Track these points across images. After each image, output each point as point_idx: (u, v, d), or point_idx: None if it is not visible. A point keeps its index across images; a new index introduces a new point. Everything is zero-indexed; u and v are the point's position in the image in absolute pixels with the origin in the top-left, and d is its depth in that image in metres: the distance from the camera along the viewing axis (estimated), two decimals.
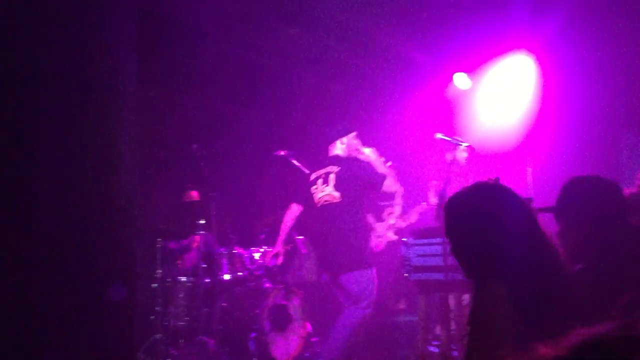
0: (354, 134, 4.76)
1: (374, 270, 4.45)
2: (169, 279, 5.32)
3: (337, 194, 4.49)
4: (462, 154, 5.16)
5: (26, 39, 3.22)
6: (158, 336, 4.99)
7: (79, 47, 3.44)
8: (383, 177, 4.45)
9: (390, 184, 4.47)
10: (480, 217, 1.93)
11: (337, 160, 4.64)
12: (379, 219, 6.00)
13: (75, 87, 3.41)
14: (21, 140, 3.16)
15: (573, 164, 5.55)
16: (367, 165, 4.56)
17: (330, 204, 4.51)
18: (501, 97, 6.37)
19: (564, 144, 5.91)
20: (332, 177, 4.55)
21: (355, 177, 4.47)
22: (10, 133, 3.16)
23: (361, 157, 4.64)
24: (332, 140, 4.74)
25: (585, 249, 2.17)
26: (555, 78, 6.03)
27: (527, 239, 1.88)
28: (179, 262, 5.83)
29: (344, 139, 4.71)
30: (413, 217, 5.80)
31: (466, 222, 1.95)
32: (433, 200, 5.51)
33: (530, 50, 6.10)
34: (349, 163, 4.57)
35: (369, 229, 5.36)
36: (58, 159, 3.29)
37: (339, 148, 4.71)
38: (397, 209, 5.83)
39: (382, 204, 5.95)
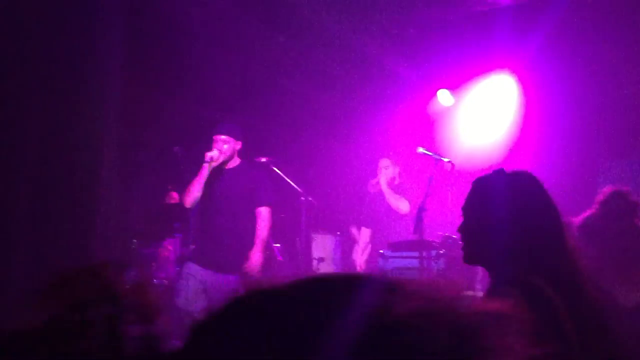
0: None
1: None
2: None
3: None
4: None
5: (12, 36, 3.19)
6: None
7: (65, 45, 3.43)
8: None
9: None
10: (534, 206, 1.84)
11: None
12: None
13: (59, 85, 3.40)
14: (4, 135, 3.13)
15: (552, 183, 5.61)
16: None
17: None
18: (483, 114, 6.44)
19: (543, 163, 5.99)
20: None
21: None
22: None
23: None
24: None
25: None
26: (536, 97, 6.11)
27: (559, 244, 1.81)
28: (153, 264, 5.78)
29: None
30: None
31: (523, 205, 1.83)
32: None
33: (512, 69, 6.18)
34: None
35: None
36: (40, 155, 3.26)
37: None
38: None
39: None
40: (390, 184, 5.51)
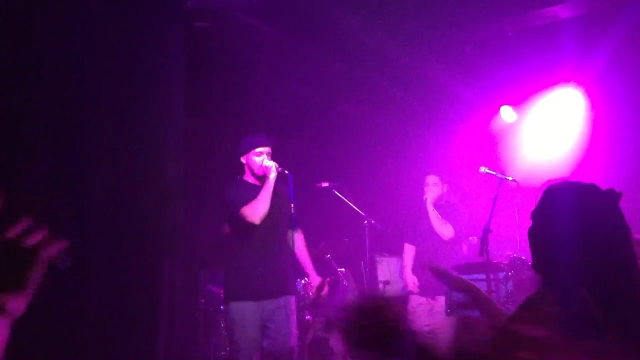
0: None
1: None
2: (211, 308, 5.36)
3: None
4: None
5: (87, 66, 3.35)
6: None
7: (131, 80, 3.57)
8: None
9: None
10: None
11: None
12: None
13: (128, 117, 3.53)
14: (77, 164, 3.27)
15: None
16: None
17: None
18: (548, 130, 6.26)
19: (612, 179, 5.75)
20: None
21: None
22: (67, 161, 3.27)
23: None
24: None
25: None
26: (604, 111, 5.90)
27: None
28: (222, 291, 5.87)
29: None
30: (464, 249, 5.50)
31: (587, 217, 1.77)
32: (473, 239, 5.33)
33: (578, 82, 6.01)
34: None
35: None
36: (110, 187, 3.39)
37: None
38: None
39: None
40: (437, 202, 5.13)
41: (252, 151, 4.07)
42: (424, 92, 6.34)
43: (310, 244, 6.11)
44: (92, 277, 3.21)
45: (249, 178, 4.11)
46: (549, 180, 3.55)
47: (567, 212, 1.80)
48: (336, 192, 5.70)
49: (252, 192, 3.94)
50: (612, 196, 1.82)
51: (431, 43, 5.46)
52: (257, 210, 3.86)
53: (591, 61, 5.49)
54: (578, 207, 1.79)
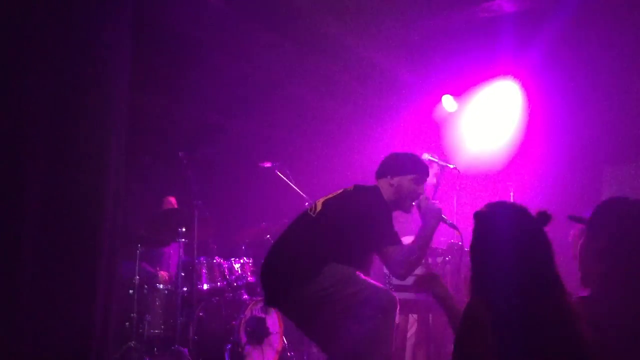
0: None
1: None
2: (146, 286, 5.27)
3: None
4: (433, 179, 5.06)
5: (21, 36, 3.20)
6: (132, 343, 4.93)
7: (73, 48, 3.44)
8: None
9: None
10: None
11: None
12: None
13: (67, 88, 3.41)
14: (11, 138, 3.14)
15: (555, 189, 5.64)
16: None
17: None
18: (487, 120, 6.45)
19: (547, 169, 6.01)
20: None
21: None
22: (6, 131, 3.14)
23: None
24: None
25: (605, 270, 2.13)
26: (540, 104, 6.13)
27: (519, 261, 1.90)
28: (157, 269, 5.78)
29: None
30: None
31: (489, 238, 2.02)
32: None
33: (516, 75, 6.20)
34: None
35: None
36: (45, 159, 3.27)
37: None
38: None
39: None
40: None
41: (420, 178, 3.49)
42: (370, 77, 6.40)
43: (251, 224, 6.14)
44: (27, 254, 3.10)
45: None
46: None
47: (501, 233, 2.00)
48: (278, 172, 5.71)
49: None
50: (541, 220, 1.98)
51: (377, 30, 5.51)
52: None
53: (529, 55, 5.67)
54: (509, 229, 1.99)
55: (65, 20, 3.43)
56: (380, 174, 3.52)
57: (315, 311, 3.14)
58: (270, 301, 3.32)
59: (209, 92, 5.77)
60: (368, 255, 3.42)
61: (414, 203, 3.41)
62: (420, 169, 3.49)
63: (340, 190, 3.50)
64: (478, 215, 2.06)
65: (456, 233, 3.63)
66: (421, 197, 3.39)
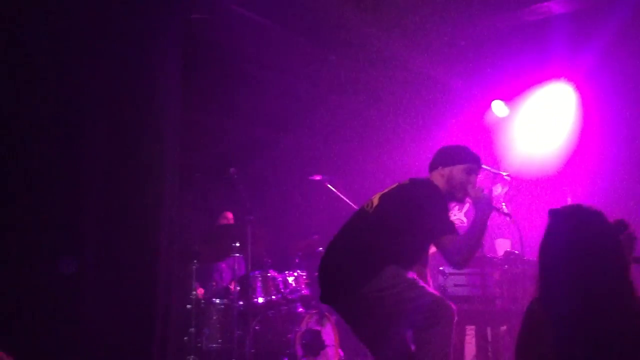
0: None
1: None
2: (203, 301, 5.36)
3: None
4: (499, 188, 4.97)
5: (80, 58, 3.33)
6: (191, 357, 5.01)
7: (128, 68, 3.55)
8: None
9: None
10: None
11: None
12: None
13: (123, 107, 3.52)
14: (69, 157, 3.25)
15: (613, 195, 5.45)
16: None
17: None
18: (540, 125, 6.31)
19: (604, 174, 5.82)
20: None
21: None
22: (61, 149, 3.26)
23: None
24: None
25: None
26: (595, 107, 5.95)
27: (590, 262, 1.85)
28: (214, 284, 5.87)
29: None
30: None
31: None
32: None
33: (570, 78, 6.05)
34: None
35: None
36: (104, 179, 3.38)
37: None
38: None
39: None
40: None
41: (471, 168, 3.46)
42: (417, 85, 6.36)
43: (303, 237, 6.17)
44: (89, 271, 3.20)
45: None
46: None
47: (565, 239, 1.92)
48: (329, 185, 5.72)
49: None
50: (619, 227, 1.92)
51: (426, 37, 5.47)
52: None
53: (582, 57, 5.53)
54: (587, 231, 1.91)
55: (121, 39, 3.54)
56: (433, 166, 3.52)
57: (369, 312, 3.11)
58: (326, 298, 3.30)
59: (258, 108, 5.84)
60: (425, 251, 3.41)
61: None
62: (470, 159, 3.47)
63: (395, 185, 3.48)
64: (555, 213, 1.98)
65: (509, 220, 3.55)
66: (475, 187, 3.34)
